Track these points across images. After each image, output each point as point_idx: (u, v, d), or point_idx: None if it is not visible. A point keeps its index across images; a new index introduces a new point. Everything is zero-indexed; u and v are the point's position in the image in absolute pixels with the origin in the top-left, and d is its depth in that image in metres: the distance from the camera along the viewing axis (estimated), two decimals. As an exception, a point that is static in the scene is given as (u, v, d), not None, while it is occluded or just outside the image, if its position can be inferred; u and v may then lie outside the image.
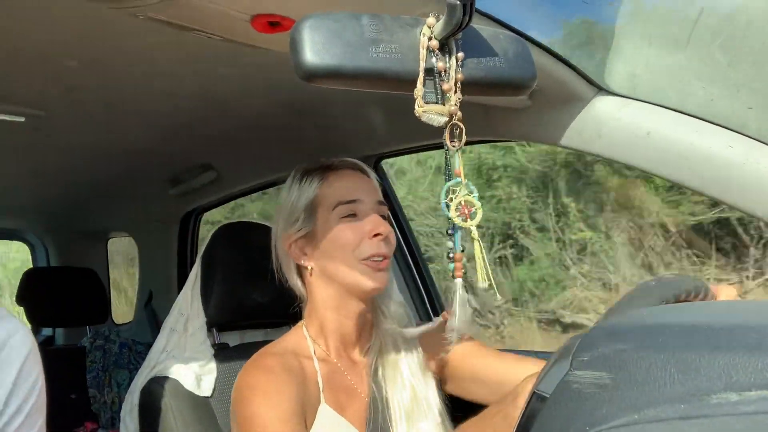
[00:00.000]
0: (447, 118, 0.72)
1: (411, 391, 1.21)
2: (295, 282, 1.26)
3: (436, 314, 2.02)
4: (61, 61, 1.32)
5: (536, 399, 0.52)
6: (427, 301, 2.01)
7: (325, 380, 1.18)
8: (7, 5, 1.08)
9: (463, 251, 0.77)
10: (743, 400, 0.42)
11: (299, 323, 1.27)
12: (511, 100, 1.26)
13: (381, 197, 1.25)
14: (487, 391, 1.21)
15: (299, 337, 1.24)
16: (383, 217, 1.22)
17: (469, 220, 0.75)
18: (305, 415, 1.13)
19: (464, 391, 1.28)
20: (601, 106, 1.16)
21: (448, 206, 0.75)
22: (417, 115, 0.72)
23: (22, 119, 1.68)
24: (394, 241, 1.22)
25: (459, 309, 0.90)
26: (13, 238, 3.62)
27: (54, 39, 1.22)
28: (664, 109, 1.08)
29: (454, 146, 0.74)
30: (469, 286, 0.84)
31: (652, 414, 0.44)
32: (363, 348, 1.25)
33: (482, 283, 0.76)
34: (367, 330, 1.26)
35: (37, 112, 1.64)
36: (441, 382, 1.29)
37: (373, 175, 1.28)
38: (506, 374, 1.19)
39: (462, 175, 0.75)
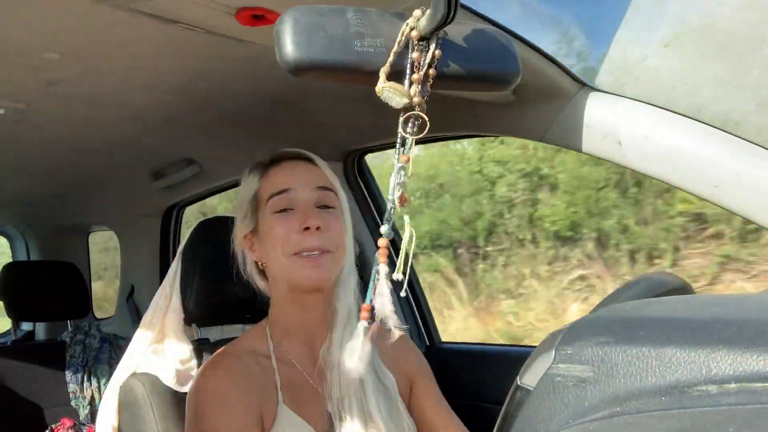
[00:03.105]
0: (407, 100, 0.72)
1: (368, 388, 1.17)
2: (255, 278, 1.24)
3: (421, 314, 2.02)
4: (42, 54, 1.31)
5: (520, 392, 0.53)
6: (413, 300, 2.01)
7: (283, 380, 1.16)
8: (-13, -5, 1.07)
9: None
10: (723, 392, 0.43)
11: (263, 320, 1.25)
12: (495, 95, 1.27)
13: (325, 183, 1.18)
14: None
15: (259, 336, 1.21)
16: (326, 206, 1.17)
17: (403, 206, 0.74)
18: (263, 417, 1.11)
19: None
20: (586, 102, 1.16)
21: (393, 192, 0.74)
22: (377, 91, 0.71)
23: (2, 112, 1.66)
24: (336, 234, 1.16)
25: (382, 293, 0.80)
26: (-7, 232, 3.58)
27: (34, 31, 1.21)
28: (651, 107, 1.09)
29: (408, 133, 0.73)
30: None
31: (634, 406, 0.45)
32: (321, 345, 1.19)
33: (397, 274, 0.75)
34: (328, 326, 1.20)
35: (17, 105, 1.62)
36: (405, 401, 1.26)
37: (319, 161, 1.22)
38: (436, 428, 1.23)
39: (411, 162, 0.74)
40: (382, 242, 0.75)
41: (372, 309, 0.79)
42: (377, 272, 0.76)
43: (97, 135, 1.96)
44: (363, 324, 0.81)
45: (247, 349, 1.19)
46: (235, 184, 2.34)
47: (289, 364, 1.19)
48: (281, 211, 1.15)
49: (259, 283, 1.25)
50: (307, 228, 1.12)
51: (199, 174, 2.25)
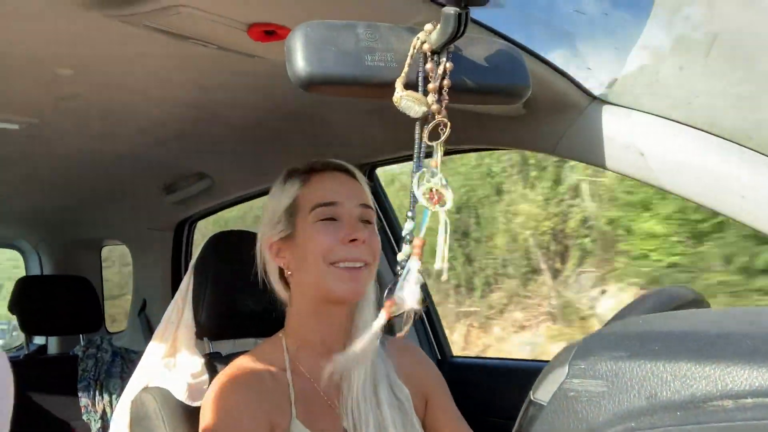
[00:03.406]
0: (426, 109, 0.72)
1: (383, 403, 1.17)
2: (278, 286, 1.23)
3: (433, 328, 2.02)
4: (55, 69, 1.32)
5: (533, 407, 0.52)
6: (424, 314, 2.00)
7: (298, 394, 1.15)
8: (0, 12, 1.08)
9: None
10: (739, 407, 0.42)
11: (279, 332, 1.24)
12: (505, 108, 1.27)
13: (367, 200, 1.20)
14: None
15: (276, 348, 1.21)
16: (367, 222, 1.18)
17: (437, 206, 0.75)
18: (275, 430, 1.11)
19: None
20: (596, 115, 1.16)
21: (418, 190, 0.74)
22: (395, 100, 0.71)
23: (15, 127, 1.67)
24: (376, 249, 1.17)
25: (412, 285, 0.79)
26: (6, 246, 3.60)
27: (48, 46, 1.22)
28: (662, 119, 1.09)
29: (430, 142, 0.73)
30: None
31: (648, 421, 0.44)
32: None
33: (439, 264, 0.75)
34: (347, 341, 1.19)
35: (30, 119, 1.64)
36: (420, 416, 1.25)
37: (360, 176, 1.23)
38: None
39: (439, 166, 0.74)
40: (417, 242, 0.75)
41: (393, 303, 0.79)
42: (406, 268, 0.76)
43: (109, 149, 1.97)
44: (382, 315, 0.81)
45: (262, 361, 1.18)
46: (247, 198, 2.35)
47: (302, 377, 1.18)
48: (325, 219, 1.15)
49: (280, 291, 1.24)
50: (354, 240, 1.13)
51: (210, 188, 2.26)
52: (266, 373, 1.16)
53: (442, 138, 0.74)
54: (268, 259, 1.22)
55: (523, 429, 0.53)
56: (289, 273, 1.20)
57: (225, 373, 1.18)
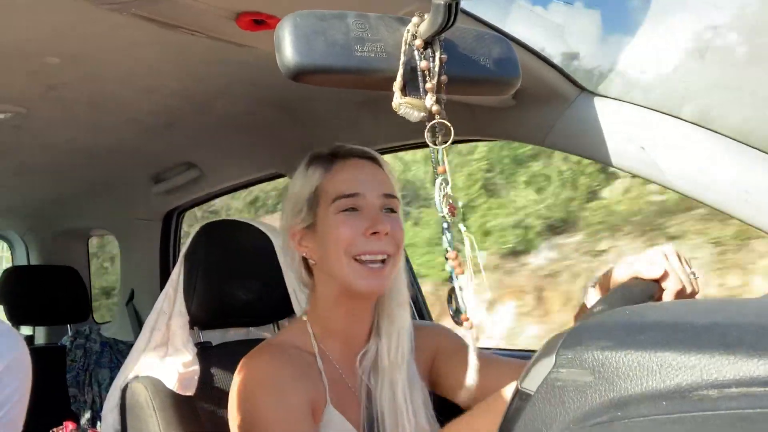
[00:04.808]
0: (424, 114, 0.72)
1: (399, 403, 1.17)
2: (301, 275, 1.22)
3: (420, 315, 2.03)
4: (43, 58, 1.31)
5: (520, 396, 0.53)
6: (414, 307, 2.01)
7: (328, 380, 1.15)
8: (-12, 0, 1.07)
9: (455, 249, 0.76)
10: (724, 397, 0.43)
11: (301, 317, 1.23)
12: (495, 99, 1.27)
13: (390, 189, 1.17)
14: (469, 396, 1.20)
15: (302, 333, 1.19)
16: (391, 210, 1.16)
17: (454, 216, 0.75)
18: (313, 410, 1.10)
19: (450, 393, 1.25)
20: (585, 107, 1.17)
21: (440, 203, 0.74)
22: (394, 107, 0.71)
23: (2, 116, 1.66)
24: (400, 239, 1.15)
25: (472, 301, 0.80)
26: (-7, 237, 3.57)
27: (35, 35, 1.21)
28: (652, 111, 1.09)
29: (436, 144, 0.73)
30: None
31: (635, 411, 0.45)
32: (362, 350, 1.20)
33: (471, 280, 0.75)
34: (369, 331, 1.21)
35: (18, 109, 1.62)
36: (431, 383, 1.26)
37: (384, 163, 1.20)
38: (491, 382, 1.16)
39: (448, 171, 0.74)
40: (452, 254, 0.75)
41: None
42: (457, 284, 0.76)
43: (97, 139, 1.96)
44: (470, 332, 0.80)
45: (292, 343, 1.18)
46: (236, 188, 2.34)
47: (330, 363, 1.18)
48: (346, 210, 1.14)
49: (304, 279, 1.22)
50: (375, 232, 1.11)
51: (199, 178, 2.25)
52: (298, 356, 1.15)
53: (447, 143, 0.73)
54: (291, 248, 1.21)
55: (510, 417, 0.53)
56: (312, 262, 1.18)
57: (257, 350, 1.16)
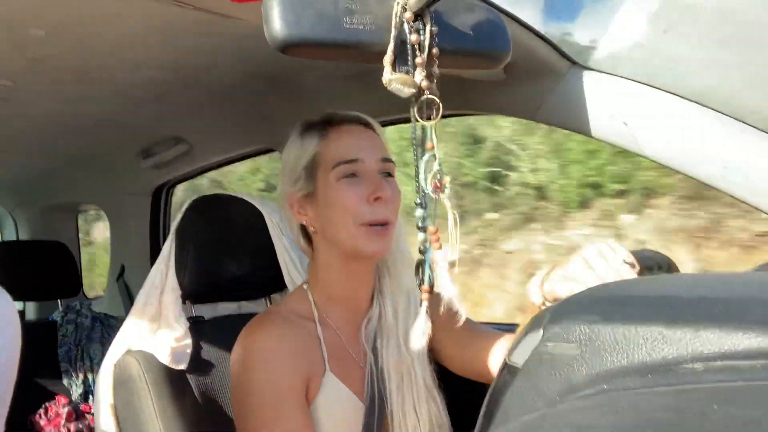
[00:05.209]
0: (414, 90, 0.71)
1: (406, 363, 1.19)
2: (300, 242, 1.23)
3: None
4: (28, 30, 1.29)
5: (508, 369, 0.53)
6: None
7: (328, 347, 1.16)
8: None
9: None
10: (709, 370, 0.43)
11: (302, 284, 1.25)
12: (486, 72, 1.26)
13: (387, 153, 1.18)
14: (470, 367, 1.21)
15: (302, 300, 1.21)
16: (389, 174, 1.17)
17: (441, 194, 0.75)
18: (308, 383, 1.12)
19: (446, 361, 1.27)
20: (577, 81, 1.16)
21: (425, 180, 0.74)
22: (384, 83, 0.71)
23: (-12, 89, 1.64)
24: (398, 205, 1.17)
25: (445, 275, 0.82)
26: (-20, 212, 3.55)
27: (20, 6, 1.19)
28: (643, 85, 1.08)
29: (424, 119, 0.73)
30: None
31: (620, 383, 0.45)
32: (364, 314, 1.22)
33: (453, 254, 0.76)
34: (371, 295, 1.23)
35: (4, 82, 1.60)
36: (431, 351, 1.27)
37: (378, 128, 1.21)
38: (484, 353, 1.19)
39: (436, 149, 0.74)
40: (432, 229, 0.75)
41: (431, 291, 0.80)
42: (428, 257, 0.77)
43: (84, 112, 1.94)
44: (425, 305, 0.82)
45: (292, 312, 1.19)
46: (226, 162, 2.33)
47: (331, 330, 1.19)
48: (347, 176, 1.14)
49: (303, 246, 1.24)
50: (378, 198, 1.12)
51: (187, 152, 2.23)
52: (299, 325, 1.17)
53: (436, 119, 0.73)
54: (290, 215, 1.21)
55: (498, 390, 0.54)
56: (312, 230, 1.19)
57: (258, 320, 1.18)
